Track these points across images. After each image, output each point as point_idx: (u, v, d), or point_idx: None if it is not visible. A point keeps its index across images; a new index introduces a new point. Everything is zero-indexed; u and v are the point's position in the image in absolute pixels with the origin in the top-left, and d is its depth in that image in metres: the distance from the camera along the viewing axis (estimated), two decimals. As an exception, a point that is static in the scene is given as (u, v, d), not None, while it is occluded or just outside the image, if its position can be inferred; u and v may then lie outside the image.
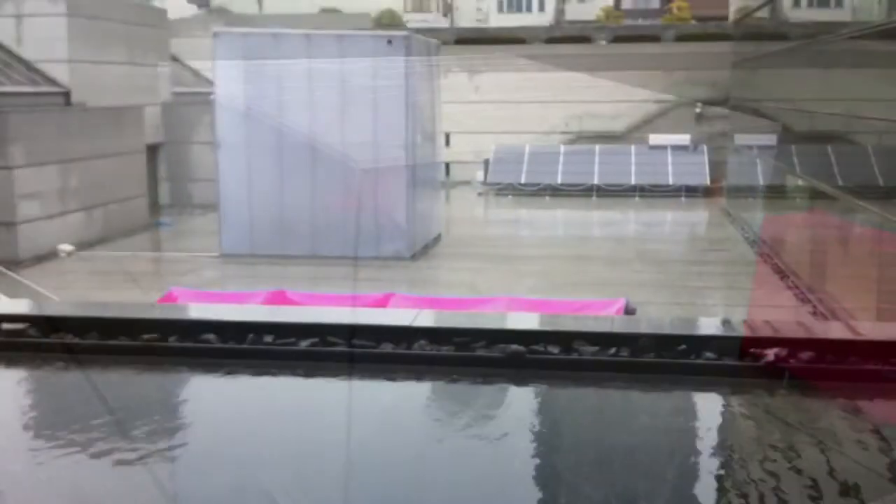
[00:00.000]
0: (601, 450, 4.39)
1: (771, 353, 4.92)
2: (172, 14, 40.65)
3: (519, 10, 77.03)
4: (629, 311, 12.21)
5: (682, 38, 45.24)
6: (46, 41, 29.19)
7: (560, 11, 74.71)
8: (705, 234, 31.72)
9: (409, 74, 24.21)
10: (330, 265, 23.72)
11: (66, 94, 29.46)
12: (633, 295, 17.25)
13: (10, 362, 5.43)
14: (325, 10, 67.66)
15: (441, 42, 31.46)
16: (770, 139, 27.66)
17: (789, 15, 27.06)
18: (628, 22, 64.03)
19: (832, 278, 18.96)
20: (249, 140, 24.75)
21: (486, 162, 40.55)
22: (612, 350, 5.12)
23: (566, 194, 38.10)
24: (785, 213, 25.73)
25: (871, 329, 5.64)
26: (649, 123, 41.39)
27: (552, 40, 46.31)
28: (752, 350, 5.00)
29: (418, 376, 5.13)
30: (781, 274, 22.36)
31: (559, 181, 38.98)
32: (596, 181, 38.57)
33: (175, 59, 38.43)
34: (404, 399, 5.07)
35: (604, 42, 46.06)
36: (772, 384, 4.88)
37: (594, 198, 37.66)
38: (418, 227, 25.43)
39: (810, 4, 25.58)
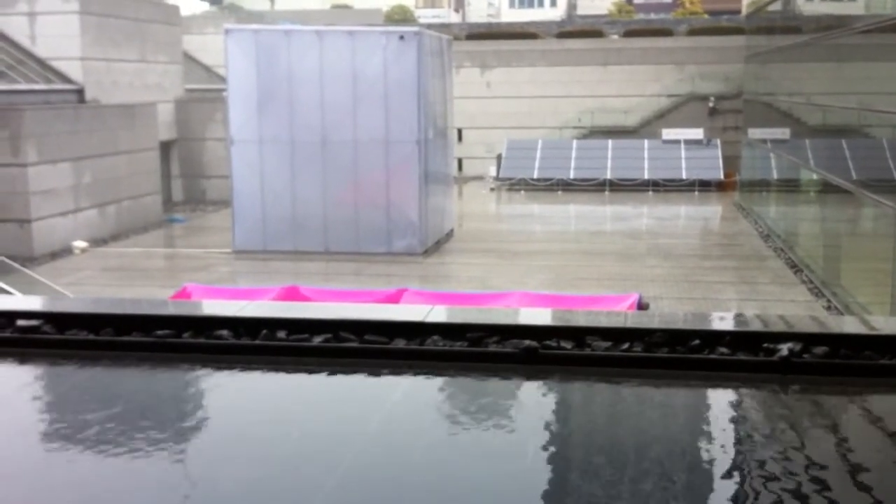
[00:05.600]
0: (613, 445, 4.38)
1: (785, 348, 4.90)
2: (184, 11, 40.77)
3: (531, 5, 77.00)
4: (642, 306, 12.21)
5: (694, 32, 45.08)
6: (59, 39, 29.32)
7: (572, 6, 74.55)
8: (718, 229, 31.62)
9: (421, 70, 24.20)
10: (342, 261, 23.77)
11: (80, 92, 29.59)
12: (646, 290, 17.25)
13: (25, 359, 5.45)
14: (336, 7, 67.82)
15: (453, 37, 31.43)
16: (783, 133, 27.55)
17: (802, 8, 26.92)
18: (640, 16, 63.90)
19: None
20: (262, 136, 24.80)
21: (499, 157, 40.53)
22: (626, 345, 5.10)
23: (579, 189, 38.06)
24: (799, 206, 25.63)
25: (887, 324, 5.60)
26: (662, 118, 41.29)
27: (564, 35, 46.22)
28: (765, 345, 4.97)
29: (431, 372, 5.12)
30: (795, 268, 22.28)
31: (572, 176, 38.93)
32: (609, 176, 38.50)
33: (187, 55, 38.53)
34: (417, 394, 5.07)
35: (615, 36, 45.94)
36: (786, 379, 4.85)
37: (607, 192, 37.60)
38: (430, 223, 25.44)
39: (824, -3, 25.44)
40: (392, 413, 4.68)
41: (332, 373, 5.24)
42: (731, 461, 4.12)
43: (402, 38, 24.41)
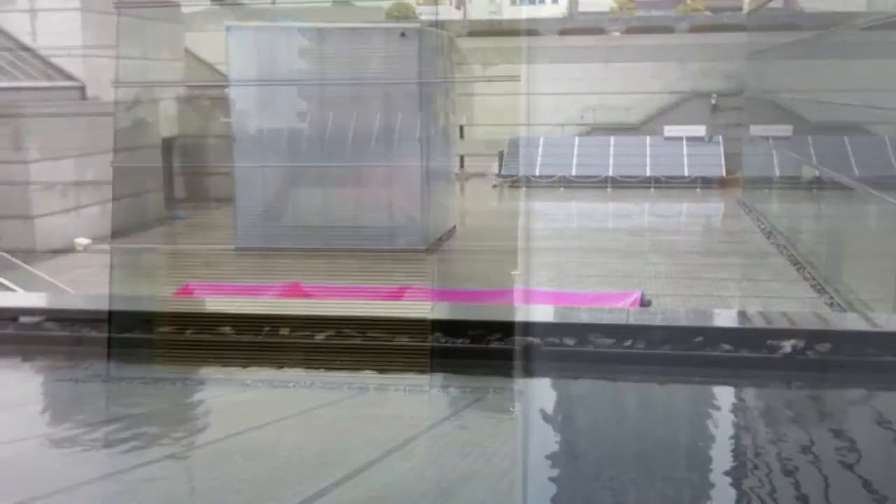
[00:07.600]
0: (616, 442, 4.37)
1: (788, 345, 4.89)
2: (186, 8, 40.69)
3: (532, 1, 76.83)
4: (644, 303, 12.20)
5: (696, 29, 45.02)
6: (61, 35, 29.29)
7: (573, 3, 74.43)
8: (721, 226, 31.59)
9: (423, 67, 24.17)
10: (345, 258, 23.75)
11: (82, 89, 29.56)
12: (648, 287, 17.23)
13: (27, 356, 5.45)
14: (337, 4, 67.69)
15: (454, 34, 31.39)
16: (786, 130, 27.51)
17: (804, 5, 26.87)
18: (642, 13, 63.82)
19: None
20: (264, 134, 24.78)
21: (501, 154, 40.48)
22: (628, 342, 5.10)
23: (581, 186, 38.00)
24: (802, 203, 25.60)
25: (889, 321, 5.60)
26: (664, 115, 41.22)
27: (565, 32, 46.14)
28: (768, 342, 4.97)
29: (433, 369, 5.12)
30: (798, 265, 22.25)
31: (574, 173, 38.87)
32: (611, 173, 38.45)
33: (189, 52, 38.49)
34: (419, 392, 5.06)
35: (617, 33, 45.86)
36: (788, 376, 4.85)
37: (609, 189, 37.55)
38: (433, 220, 25.42)
39: (826, -6, 25.39)
40: (394, 410, 4.68)
41: (335, 370, 5.24)
42: (733, 457, 4.12)
43: (403, 35, 24.38)
